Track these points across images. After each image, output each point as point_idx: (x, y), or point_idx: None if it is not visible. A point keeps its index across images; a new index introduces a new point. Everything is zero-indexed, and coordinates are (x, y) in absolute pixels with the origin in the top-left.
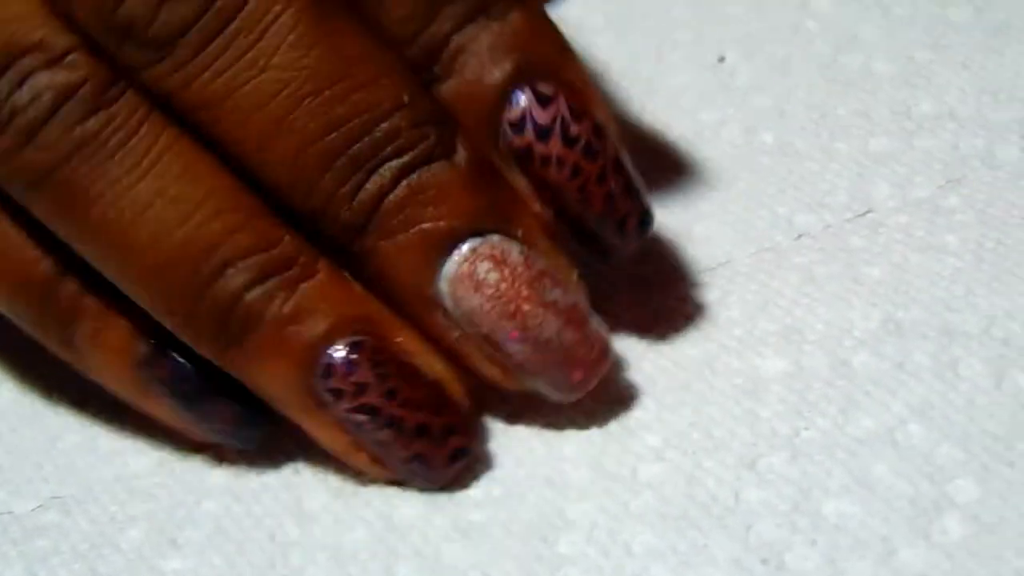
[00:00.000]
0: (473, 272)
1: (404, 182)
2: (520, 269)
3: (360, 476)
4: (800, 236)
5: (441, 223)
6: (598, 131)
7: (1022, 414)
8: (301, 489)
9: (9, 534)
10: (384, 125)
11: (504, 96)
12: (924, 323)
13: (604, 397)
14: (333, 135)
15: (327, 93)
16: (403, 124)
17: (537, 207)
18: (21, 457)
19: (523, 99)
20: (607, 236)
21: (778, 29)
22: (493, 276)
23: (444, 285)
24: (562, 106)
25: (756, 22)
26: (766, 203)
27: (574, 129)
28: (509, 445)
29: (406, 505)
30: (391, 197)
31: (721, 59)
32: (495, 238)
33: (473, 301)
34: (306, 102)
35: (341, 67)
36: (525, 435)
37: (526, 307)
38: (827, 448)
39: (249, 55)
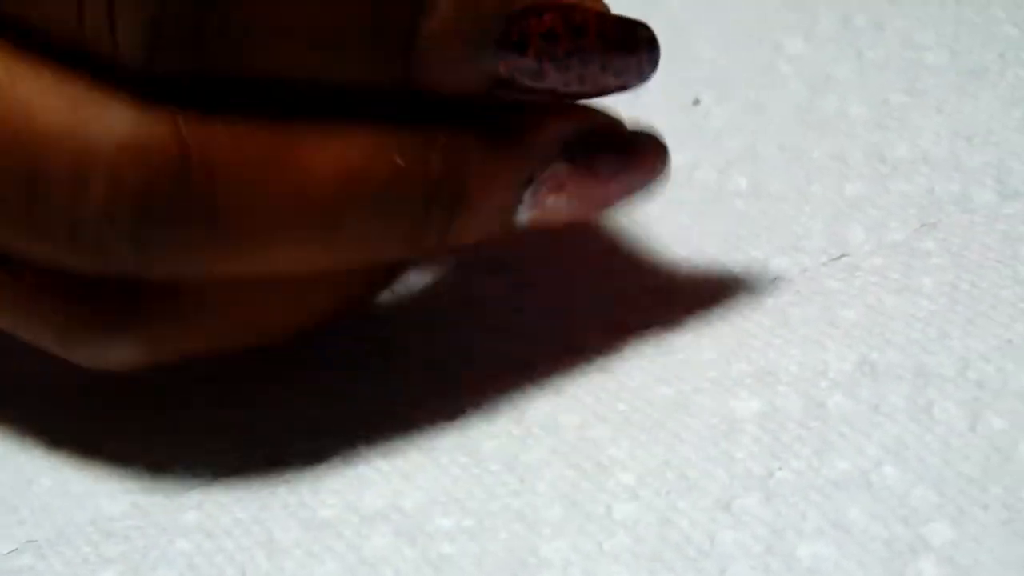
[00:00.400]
0: None
1: None
2: None
3: (331, 507)
4: (775, 279)
5: None
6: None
7: (996, 457)
8: (271, 523)
9: None
10: None
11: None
12: (899, 365)
13: (576, 434)
14: None
15: None
16: None
17: None
18: None
19: None
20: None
21: (752, 71)
22: None
23: None
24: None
25: (730, 64)
26: (740, 246)
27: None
28: (480, 476)
29: (377, 536)
30: None
31: (696, 102)
32: None
33: None
34: None
35: None
36: (496, 467)
37: None
38: (801, 490)
39: None
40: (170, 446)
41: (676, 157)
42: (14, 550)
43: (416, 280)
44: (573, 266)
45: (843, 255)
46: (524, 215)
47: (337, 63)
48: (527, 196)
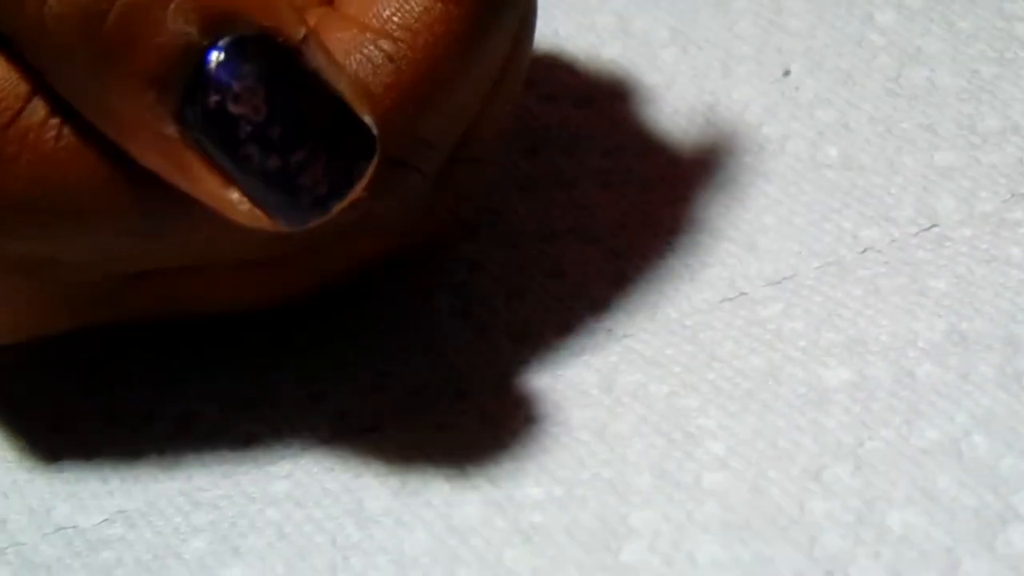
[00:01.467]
0: None
1: None
2: None
3: (422, 476)
4: (865, 250)
5: None
6: None
7: None
8: (362, 492)
9: (74, 547)
10: None
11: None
12: (989, 334)
13: (666, 403)
14: None
15: None
16: None
17: None
18: (87, 472)
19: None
20: None
21: (842, 43)
22: None
23: None
24: None
25: (820, 36)
26: (831, 217)
27: None
28: (570, 444)
29: (467, 505)
30: None
31: (786, 73)
32: None
33: None
34: None
35: None
36: (586, 436)
37: None
38: (891, 459)
39: None
40: (260, 417)
41: (767, 129)
42: (105, 520)
43: (501, 251)
44: (665, 236)
45: (933, 225)
46: None
47: None
48: None
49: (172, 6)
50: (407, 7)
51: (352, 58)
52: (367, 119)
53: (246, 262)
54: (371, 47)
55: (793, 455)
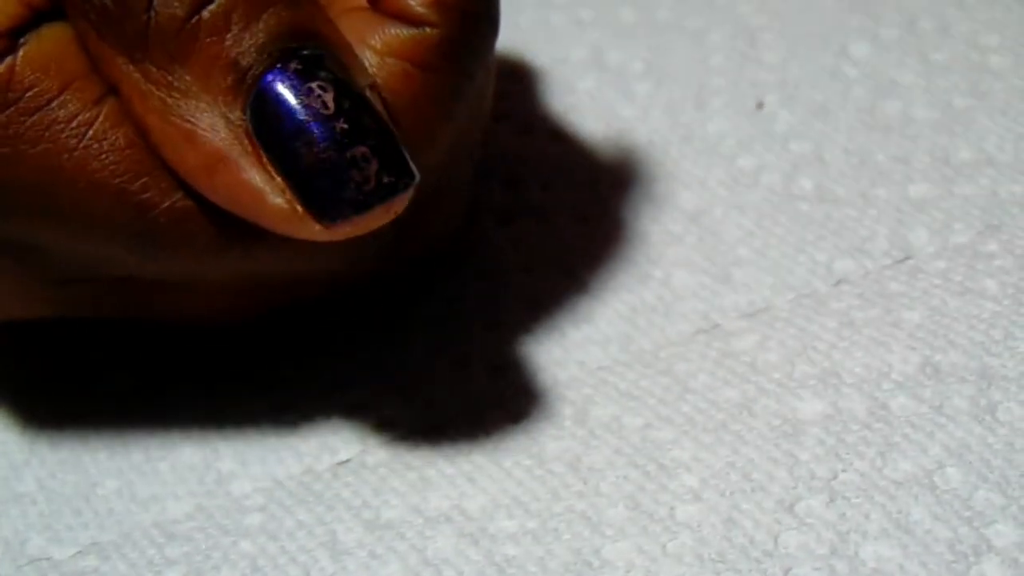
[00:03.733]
0: None
1: None
2: None
3: (395, 509)
4: (839, 282)
5: None
6: None
7: None
8: (335, 524)
9: None
10: None
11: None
12: (962, 367)
13: (640, 436)
14: None
15: None
16: None
17: None
18: (61, 504)
19: None
20: None
21: (816, 75)
22: None
23: None
24: None
25: (794, 68)
26: (805, 249)
27: None
28: (543, 477)
29: (441, 538)
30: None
31: (760, 105)
32: None
33: None
34: None
35: None
36: (560, 469)
37: None
38: (865, 491)
39: None
40: (233, 451)
41: (741, 161)
42: (78, 552)
43: (478, 283)
44: (639, 268)
45: (907, 258)
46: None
47: None
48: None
49: (269, 9)
50: (385, 68)
51: None
52: (409, 160)
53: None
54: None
55: (767, 487)
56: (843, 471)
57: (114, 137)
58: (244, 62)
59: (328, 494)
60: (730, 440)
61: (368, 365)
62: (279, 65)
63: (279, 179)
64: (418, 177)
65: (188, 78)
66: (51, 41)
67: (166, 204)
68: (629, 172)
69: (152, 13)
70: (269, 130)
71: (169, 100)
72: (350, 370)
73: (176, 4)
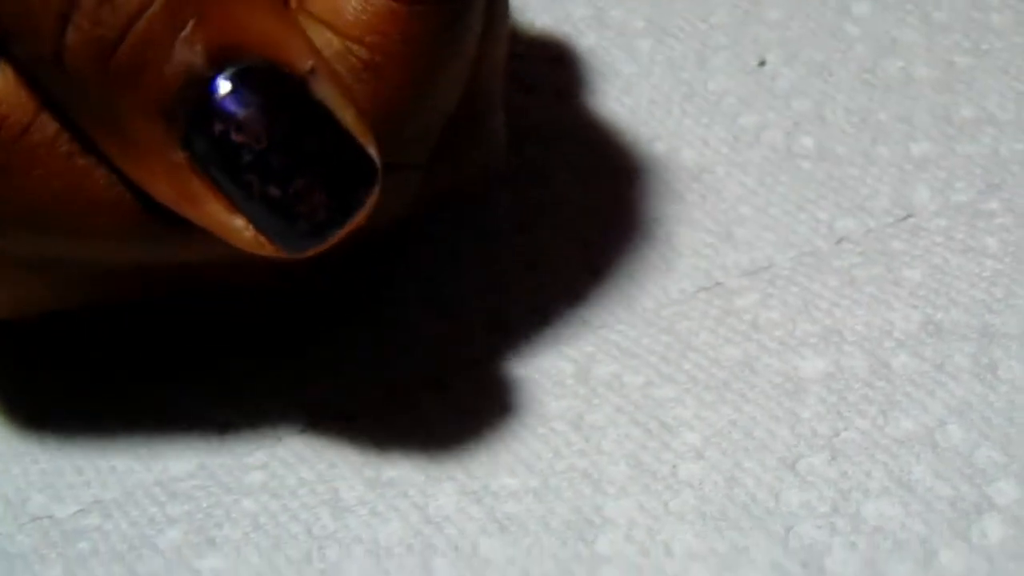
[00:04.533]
0: None
1: None
2: None
3: (397, 467)
4: (841, 240)
5: None
6: None
7: None
8: (337, 482)
9: (50, 538)
10: None
11: None
12: (964, 325)
13: (642, 394)
14: None
15: None
16: None
17: None
18: (63, 463)
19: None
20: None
21: (818, 33)
22: None
23: None
24: None
25: (796, 26)
26: (807, 208)
27: None
28: (545, 435)
29: (442, 495)
30: None
31: (762, 63)
32: None
33: None
34: None
35: None
36: (562, 427)
37: None
38: (867, 449)
39: None
40: (236, 409)
41: (743, 119)
42: (80, 510)
43: (478, 243)
44: (641, 227)
45: (908, 216)
46: None
47: None
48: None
49: (180, 36)
50: (371, 8)
51: (335, 68)
52: (370, 149)
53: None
54: (349, 56)
55: (769, 445)
56: (845, 429)
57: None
58: (168, 107)
59: (330, 452)
60: (732, 398)
61: (368, 326)
62: (204, 101)
63: (238, 215)
64: (379, 167)
65: (132, 126)
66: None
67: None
68: (630, 131)
69: (75, 74)
70: (212, 173)
71: (121, 150)
72: (351, 331)
73: (90, 61)
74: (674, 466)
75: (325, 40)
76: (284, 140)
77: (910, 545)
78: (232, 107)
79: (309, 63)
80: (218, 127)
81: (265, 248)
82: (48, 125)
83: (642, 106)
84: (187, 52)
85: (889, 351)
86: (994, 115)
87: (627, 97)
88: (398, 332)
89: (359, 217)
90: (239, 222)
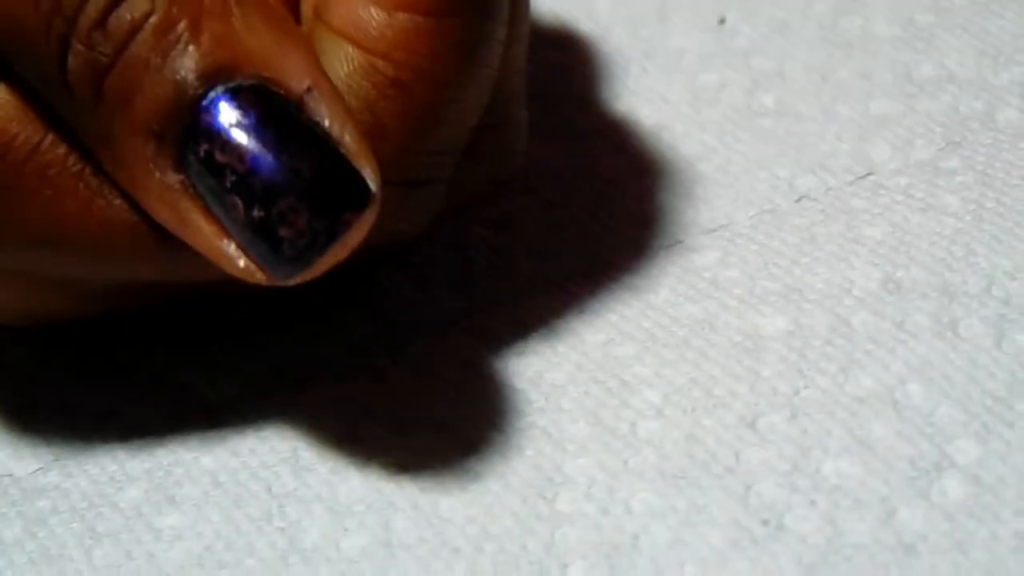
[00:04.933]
0: None
1: None
2: None
3: (357, 426)
4: (801, 198)
5: None
6: None
7: (1022, 374)
8: (297, 440)
9: (9, 496)
10: None
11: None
12: (924, 283)
13: (602, 352)
14: None
15: None
16: None
17: None
18: (23, 420)
19: None
20: None
21: None
22: None
23: None
24: None
25: None
26: (766, 165)
27: None
28: (506, 394)
29: (402, 453)
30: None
31: (722, 21)
32: None
33: None
34: None
35: None
36: (522, 385)
37: None
38: (827, 407)
39: None
40: (196, 367)
41: (703, 77)
42: (40, 468)
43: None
44: (601, 186)
45: (869, 174)
46: None
47: None
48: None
49: (171, 57)
50: (397, 23)
51: (359, 85)
52: (367, 171)
53: None
54: (374, 72)
55: (729, 403)
56: (805, 387)
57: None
58: (159, 128)
59: (291, 410)
60: (692, 356)
61: (328, 285)
62: (193, 121)
63: (230, 240)
64: (374, 191)
65: (123, 148)
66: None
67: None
68: (589, 88)
69: (77, 96)
70: (202, 196)
71: (121, 172)
72: (310, 290)
73: (87, 84)
74: (634, 424)
75: (346, 55)
76: (267, 161)
77: (870, 503)
78: (217, 127)
79: (305, 82)
80: (203, 147)
81: (255, 276)
82: (58, 146)
83: (601, 64)
84: (177, 72)
85: (849, 309)
86: (954, 73)
87: (586, 55)
88: (359, 291)
89: (349, 241)
90: (232, 248)
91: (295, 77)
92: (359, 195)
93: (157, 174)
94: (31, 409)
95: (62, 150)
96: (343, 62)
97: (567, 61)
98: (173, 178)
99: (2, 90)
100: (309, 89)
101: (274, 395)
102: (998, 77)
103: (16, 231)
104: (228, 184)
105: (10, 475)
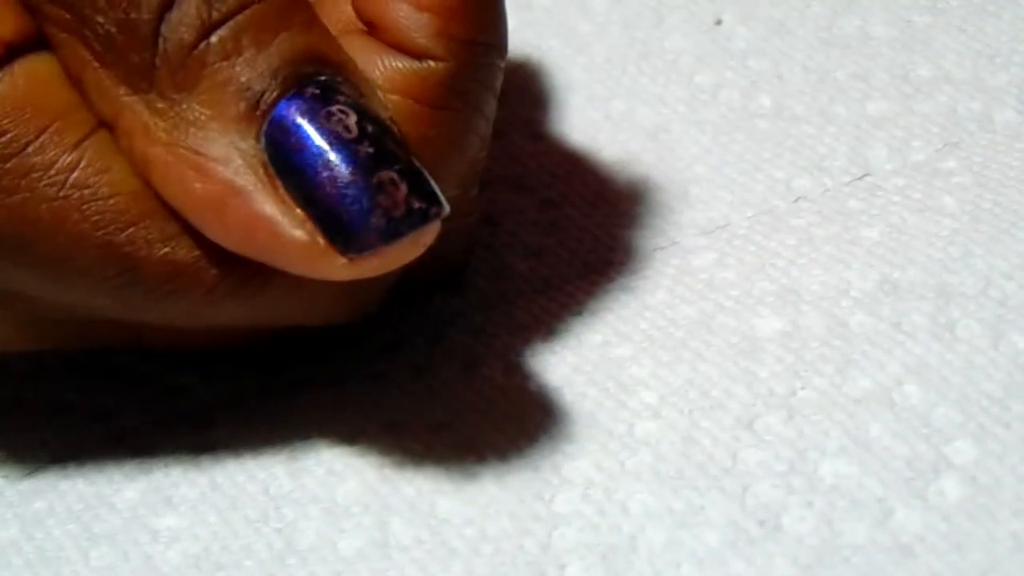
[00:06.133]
0: None
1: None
2: None
3: (354, 426)
4: (798, 199)
5: None
6: None
7: (1019, 375)
8: (294, 442)
9: (5, 497)
10: None
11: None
12: (921, 284)
13: (599, 353)
14: None
15: None
16: None
17: None
18: (19, 422)
19: None
20: None
21: None
22: None
23: None
24: None
25: None
26: (764, 167)
27: None
28: (506, 392)
29: (399, 454)
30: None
31: (718, 22)
32: None
33: None
34: None
35: None
36: (520, 384)
37: None
38: (824, 408)
39: None
40: (193, 368)
41: (700, 78)
42: (37, 469)
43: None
44: (596, 185)
45: (865, 175)
46: None
47: None
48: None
49: (283, 34)
50: (391, 106)
51: None
52: (437, 185)
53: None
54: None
55: (726, 404)
56: (802, 388)
57: (97, 185)
58: (257, 87)
59: (287, 411)
60: (689, 357)
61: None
62: (294, 91)
63: (298, 210)
64: (447, 208)
65: (196, 106)
66: (26, 79)
67: (156, 256)
68: (586, 89)
69: (161, 40)
70: (287, 158)
71: (176, 131)
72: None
73: (184, 29)
74: (631, 425)
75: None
76: (373, 133)
77: (867, 504)
78: (322, 101)
79: (388, 111)
80: (307, 116)
81: (312, 255)
82: (48, 149)
83: (598, 65)
84: (287, 46)
85: (846, 310)
86: (951, 74)
87: (582, 55)
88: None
89: (428, 232)
90: (296, 222)
91: (379, 102)
92: (439, 200)
93: (231, 137)
94: (27, 411)
95: (51, 154)
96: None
97: (564, 60)
98: (251, 144)
99: (3, 84)
100: (391, 118)
101: (271, 396)
102: (995, 78)
103: None
104: (332, 147)
105: (6, 477)
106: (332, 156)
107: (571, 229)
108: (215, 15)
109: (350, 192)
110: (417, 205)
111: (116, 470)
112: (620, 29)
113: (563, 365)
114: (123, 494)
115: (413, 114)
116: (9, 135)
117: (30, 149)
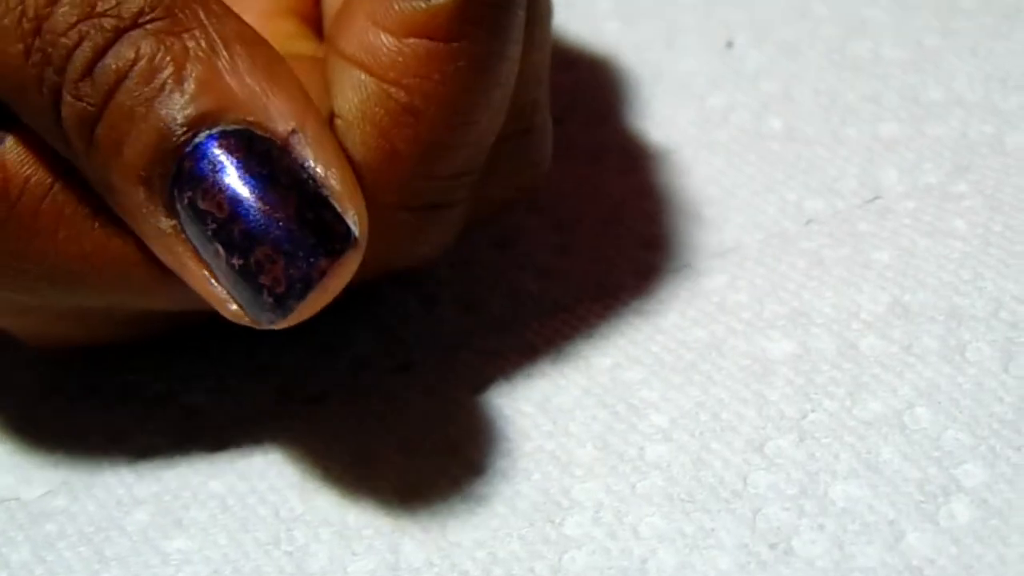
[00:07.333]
0: None
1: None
2: None
3: (366, 447)
4: (809, 221)
5: None
6: None
7: None
8: (305, 463)
9: (16, 520)
10: None
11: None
12: (932, 306)
13: (609, 376)
14: None
15: None
16: None
17: None
18: (31, 444)
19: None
20: None
21: (786, 14)
22: None
23: None
24: None
25: (764, 7)
26: (775, 188)
27: None
28: (514, 417)
29: (410, 477)
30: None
31: (729, 44)
32: None
33: None
34: None
35: None
36: (530, 408)
37: None
38: (835, 431)
39: None
40: (204, 389)
41: (711, 100)
42: (48, 492)
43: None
44: (609, 207)
45: (876, 197)
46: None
47: None
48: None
49: (156, 102)
50: (408, 49)
51: (373, 112)
52: (350, 214)
53: None
54: (387, 100)
55: (736, 427)
56: (812, 411)
57: None
58: (146, 175)
59: (299, 433)
60: (699, 380)
61: (336, 305)
62: (177, 168)
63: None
64: (357, 234)
65: (119, 198)
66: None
67: None
68: (598, 111)
69: (69, 141)
70: (192, 235)
71: (124, 217)
72: (319, 311)
73: (79, 134)
74: (641, 448)
75: (359, 82)
76: (247, 208)
77: (878, 527)
78: (200, 173)
79: (291, 124)
80: (188, 193)
81: (244, 320)
82: (72, 188)
83: (609, 86)
84: (162, 120)
85: (857, 333)
86: (962, 96)
87: (594, 78)
88: (367, 312)
89: (330, 287)
90: (223, 292)
91: (280, 119)
92: (339, 239)
93: (149, 220)
94: (39, 432)
95: (76, 192)
96: (356, 89)
97: (575, 83)
98: (165, 223)
99: (13, 137)
100: (294, 131)
101: (281, 418)
102: (1007, 101)
103: (35, 271)
104: (210, 231)
105: (17, 499)
106: (213, 241)
107: (583, 251)
108: (91, 108)
109: (236, 280)
110: (298, 273)
111: (126, 492)
112: (632, 52)
113: (574, 387)
114: (133, 516)
115: (433, 55)
116: (34, 179)
117: (55, 189)
